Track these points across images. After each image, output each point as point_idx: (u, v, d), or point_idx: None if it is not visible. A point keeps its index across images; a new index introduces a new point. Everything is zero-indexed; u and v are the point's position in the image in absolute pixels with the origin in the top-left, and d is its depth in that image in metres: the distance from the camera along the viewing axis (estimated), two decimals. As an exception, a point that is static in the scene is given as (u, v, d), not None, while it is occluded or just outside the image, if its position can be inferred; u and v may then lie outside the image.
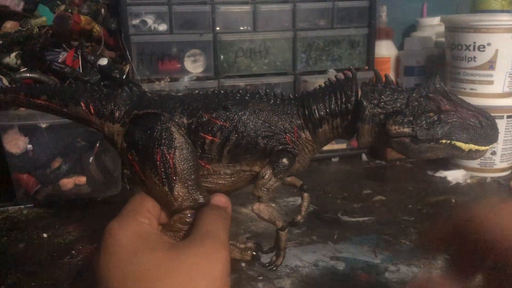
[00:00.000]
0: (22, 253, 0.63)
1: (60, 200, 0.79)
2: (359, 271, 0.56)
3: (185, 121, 0.48)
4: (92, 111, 0.50)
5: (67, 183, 0.79)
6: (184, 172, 0.45)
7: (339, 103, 0.47)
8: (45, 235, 0.68)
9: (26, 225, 0.72)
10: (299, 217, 0.58)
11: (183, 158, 0.45)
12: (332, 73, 1.03)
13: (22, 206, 0.78)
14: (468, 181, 0.88)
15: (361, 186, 0.84)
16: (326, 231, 0.67)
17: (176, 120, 0.47)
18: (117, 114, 0.49)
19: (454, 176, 0.89)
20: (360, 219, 0.72)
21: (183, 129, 0.47)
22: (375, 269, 0.57)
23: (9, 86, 0.62)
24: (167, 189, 0.45)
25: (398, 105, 0.45)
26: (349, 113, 0.47)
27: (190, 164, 0.46)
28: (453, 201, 0.78)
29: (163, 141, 0.45)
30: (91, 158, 0.79)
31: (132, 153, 0.47)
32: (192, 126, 0.48)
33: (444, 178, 0.88)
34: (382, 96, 0.45)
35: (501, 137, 0.88)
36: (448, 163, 0.93)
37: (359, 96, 0.46)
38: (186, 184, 0.45)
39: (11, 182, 0.78)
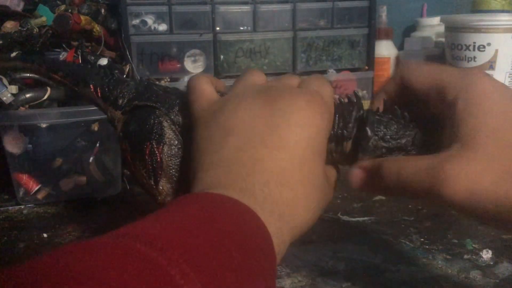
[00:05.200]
0: (22, 253, 0.63)
1: (60, 200, 0.79)
2: (359, 271, 0.56)
3: (180, 119, 0.47)
4: (99, 94, 0.51)
5: (67, 183, 0.79)
6: (170, 168, 0.45)
7: (335, 128, 0.44)
8: (45, 235, 0.68)
9: (26, 225, 0.72)
10: None
11: (171, 154, 0.45)
12: (332, 73, 1.03)
13: (22, 206, 0.78)
14: (468, 181, 0.88)
15: (361, 186, 0.84)
16: (326, 231, 0.67)
17: (172, 116, 0.47)
18: (120, 101, 0.50)
19: (454, 176, 0.88)
20: (360, 219, 0.72)
21: (177, 126, 0.47)
22: (375, 269, 0.57)
23: (35, 56, 0.68)
24: (152, 183, 0.45)
25: (403, 142, 0.42)
26: (345, 140, 0.44)
27: (177, 161, 0.45)
28: (453, 201, 0.78)
29: (153, 135, 0.45)
30: (91, 158, 0.79)
31: (125, 143, 0.47)
32: (186, 127, 0.47)
33: (444, 178, 0.88)
34: (388, 129, 0.42)
35: (501, 137, 0.88)
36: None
37: (363, 123, 0.43)
38: (171, 180, 0.45)
39: (11, 182, 0.78)
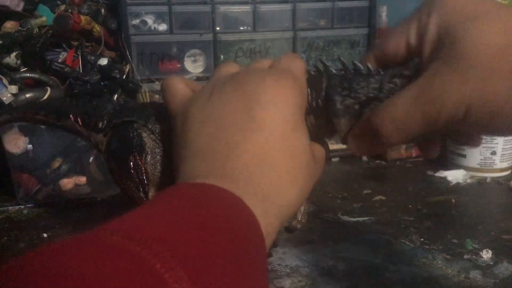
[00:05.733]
0: (22, 253, 0.63)
1: (60, 200, 0.79)
2: (359, 271, 0.56)
3: (158, 127, 0.47)
4: (80, 123, 0.53)
5: (67, 183, 0.79)
6: (156, 176, 0.45)
7: (309, 100, 0.43)
8: (45, 235, 0.68)
9: (26, 225, 0.72)
10: (294, 222, 0.57)
11: (154, 162, 0.45)
12: (332, 73, 1.03)
13: (22, 206, 0.78)
14: (468, 181, 0.88)
15: (361, 186, 0.84)
16: (326, 231, 0.67)
17: (150, 126, 0.47)
18: (100, 124, 0.51)
19: (454, 176, 0.89)
20: (360, 219, 0.72)
21: (156, 135, 0.47)
22: (375, 269, 0.57)
23: (15, 106, 0.74)
24: (142, 195, 0.45)
25: (371, 90, 0.40)
26: (323, 110, 0.42)
27: (162, 169, 0.45)
28: (453, 201, 0.78)
29: (134, 147, 0.46)
30: (91, 158, 0.79)
31: (111, 162, 0.47)
32: (165, 133, 0.47)
33: (444, 178, 0.88)
34: (353, 85, 0.40)
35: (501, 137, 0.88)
36: (448, 163, 0.93)
37: (328, 88, 0.41)
38: (159, 188, 0.45)
39: (11, 182, 0.78)
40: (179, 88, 0.39)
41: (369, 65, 0.40)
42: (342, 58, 0.42)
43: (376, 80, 0.40)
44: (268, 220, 0.29)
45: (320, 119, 0.43)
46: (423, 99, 0.30)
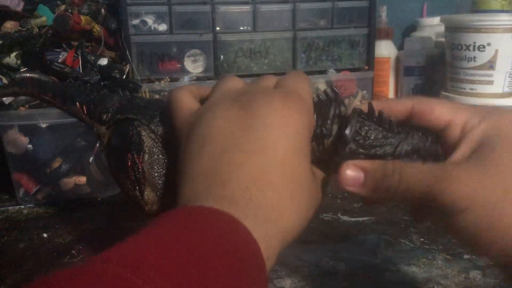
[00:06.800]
0: (22, 253, 0.63)
1: (60, 200, 0.79)
2: (359, 271, 0.56)
3: (161, 130, 0.47)
4: (85, 111, 0.52)
5: (67, 183, 0.79)
6: (153, 176, 0.45)
7: (314, 126, 0.41)
8: (45, 235, 0.68)
9: (26, 225, 0.72)
10: None
11: (151, 162, 0.45)
12: (332, 73, 1.03)
13: (22, 206, 0.78)
14: (468, 181, 0.88)
15: (361, 186, 0.84)
16: (326, 231, 0.67)
17: (152, 127, 0.47)
18: (104, 116, 0.51)
19: (454, 176, 0.88)
20: (360, 219, 0.72)
21: (158, 136, 0.47)
22: (375, 269, 0.57)
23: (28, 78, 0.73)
24: (138, 193, 0.45)
25: (383, 150, 0.38)
26: (325, 138, 0.41)
27: (159, 169, 0.45)
28: (453, 201, 0.78)
29: (133, 145, 0.45)
30: (91, 158, 0.79)
31: (110, 158, 0.47)
32: (167, 137, 0.47)
33: (444, 178, 0.88)
34: (369, 135, 0.39)
35: (501, 137, 0.88)
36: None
37: (344, 124, 0.39)
38: (155, 188, 0.45)
39: (11, 182, 0.78)
40: (184, 102, 0.38)
41: (392, 121, 0.38)
42: (372, 103, 0.40)
43: (391, 143, 0.38)
44: (269, 243, 0.29)
45: (321, 146, 0.41)
46: (434, 176, 0.32)
